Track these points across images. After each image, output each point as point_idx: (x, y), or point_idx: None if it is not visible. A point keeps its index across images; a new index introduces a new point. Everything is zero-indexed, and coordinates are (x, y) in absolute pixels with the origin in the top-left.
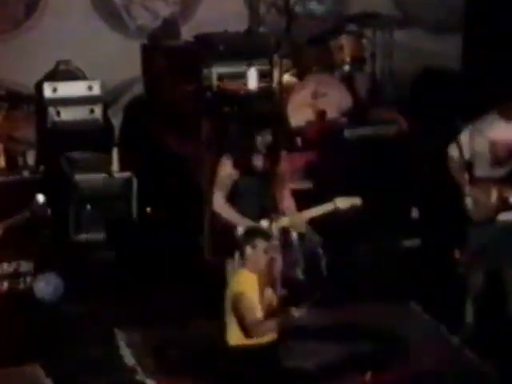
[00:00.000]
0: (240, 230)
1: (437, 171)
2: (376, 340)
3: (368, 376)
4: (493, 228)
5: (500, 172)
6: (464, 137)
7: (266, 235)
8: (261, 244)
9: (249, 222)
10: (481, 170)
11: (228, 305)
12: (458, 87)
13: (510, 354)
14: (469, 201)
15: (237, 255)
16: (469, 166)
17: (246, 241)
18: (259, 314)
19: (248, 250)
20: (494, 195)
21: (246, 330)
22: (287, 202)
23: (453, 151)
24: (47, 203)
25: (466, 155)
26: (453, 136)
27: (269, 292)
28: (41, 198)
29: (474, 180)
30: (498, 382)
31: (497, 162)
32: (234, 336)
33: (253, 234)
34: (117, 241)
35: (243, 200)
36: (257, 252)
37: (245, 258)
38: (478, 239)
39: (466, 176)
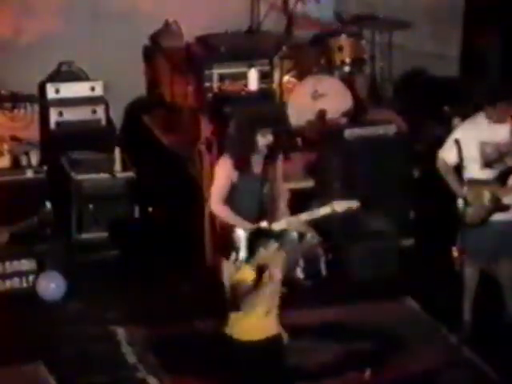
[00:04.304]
0: (238, 232)
1: (434, 171)
2: (375, 338)
3: (367, 374)
4: (487, 228)
5: (491, 173)
6: (454, 140)
7: (277, 236)
8: (273, 245)
9: (247, 224)
10: (472, 173)
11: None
12: (455, 89)
13: (509, 352)
14: (461, 203)
15: (233, 255)
16: (459, 169)
17: (260, 242)
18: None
19: (261, 251)
20: (486, 197)
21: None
22: (286, 203)
23: (443, 155)
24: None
25: (457, 158)
26: (443, 135)
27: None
28: (48, 205)
29: (465, 183)
30: (497, 381)
31: (487, 163)
32: (236, 330)
33: (265, 235)
34: (118, 240)
35: (242, 201)
36: (269, 252)
37: (255, 258)
38: (474, 239)
39: (458, 179)
